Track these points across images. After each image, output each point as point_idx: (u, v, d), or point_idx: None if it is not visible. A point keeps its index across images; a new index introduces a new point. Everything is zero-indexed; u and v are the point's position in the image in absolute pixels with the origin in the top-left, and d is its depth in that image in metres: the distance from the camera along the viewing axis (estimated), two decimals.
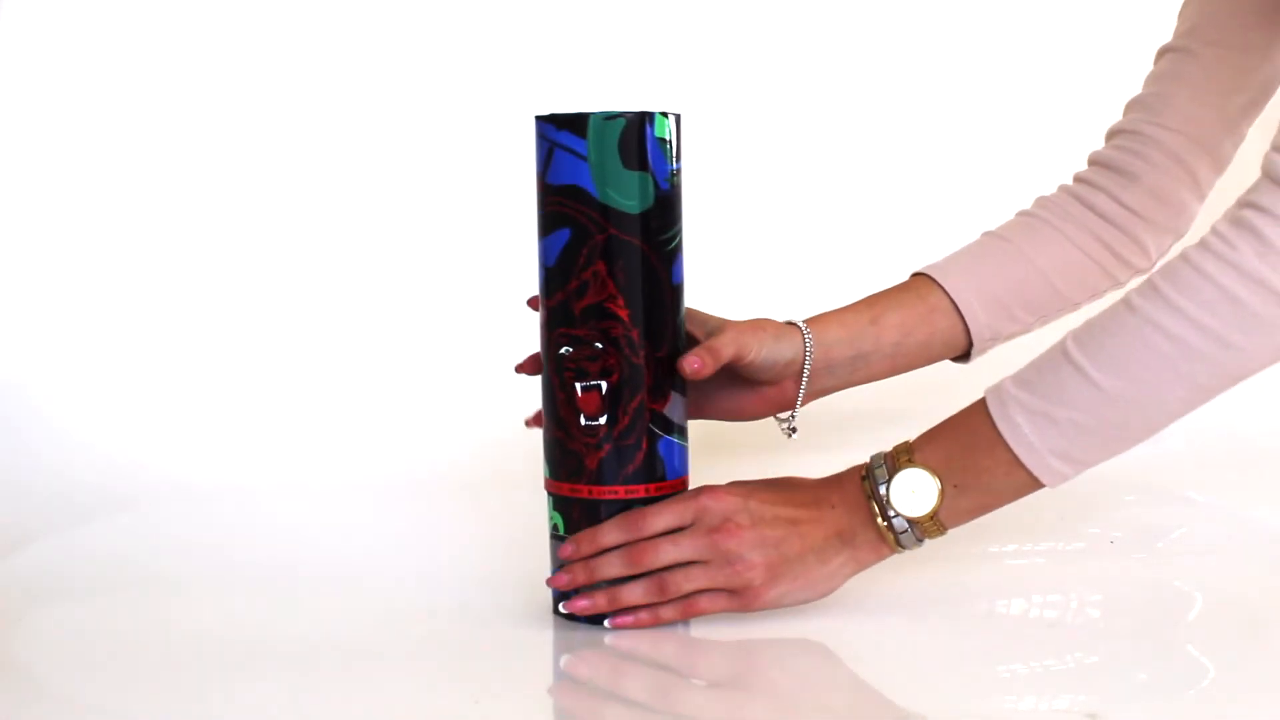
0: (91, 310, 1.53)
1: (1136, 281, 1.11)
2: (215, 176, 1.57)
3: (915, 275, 1.17)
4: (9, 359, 1.47)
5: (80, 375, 1.48)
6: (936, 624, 1.03)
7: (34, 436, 1.42)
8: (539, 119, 1.01)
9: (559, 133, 0.99)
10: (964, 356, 1.18)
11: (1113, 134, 1.21)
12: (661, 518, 0.99)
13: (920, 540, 0.99)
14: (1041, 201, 1.21)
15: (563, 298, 1.00)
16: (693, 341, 1.05)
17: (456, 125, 1.60)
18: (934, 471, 0.98)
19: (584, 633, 1.00)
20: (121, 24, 1.54)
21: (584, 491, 1.00)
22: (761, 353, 1.05)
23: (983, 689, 0.92)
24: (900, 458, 0.99)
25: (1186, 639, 1.02)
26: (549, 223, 1.00)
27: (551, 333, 1.01)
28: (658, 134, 1.00)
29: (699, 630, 1.01)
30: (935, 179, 1.69)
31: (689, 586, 0.99)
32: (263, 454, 1.15)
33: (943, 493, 0.97)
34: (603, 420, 0.99)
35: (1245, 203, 0.93)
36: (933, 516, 0.98)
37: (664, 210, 1.01)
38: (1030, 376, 0.97)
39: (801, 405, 1.10)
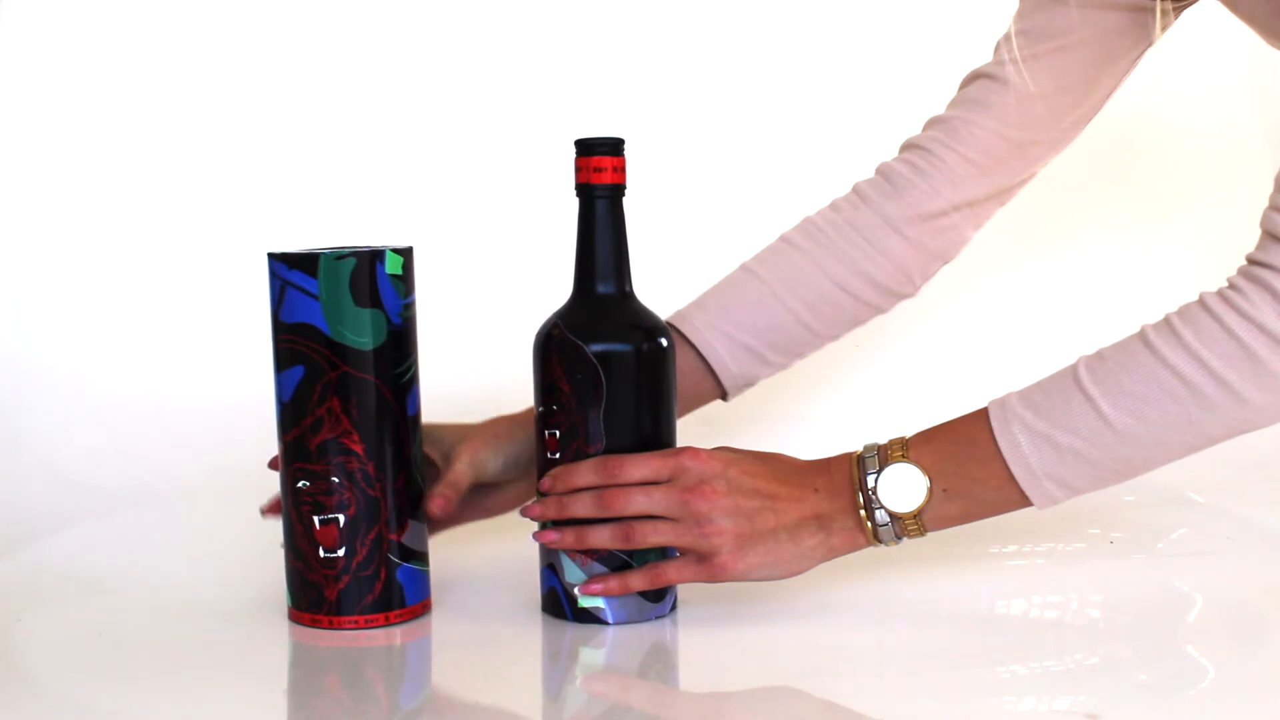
0: (90, 311, 1.53)
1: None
2: (209, 178, 1.57)
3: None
4: (8, 359, 1.47)
5: (80, 375, 1.49)
6: (937, 624, 1.04)
7: (34, 436, 1.42)
8: (271, 256, 1.02)
9: (290, 271, 1.01)
10: (722, 397, 1.18)
11: (906, 147, 1.18)
12: (639, 468, 0.99)
13: (898, 538, 0.99)
14: (804, 226, 1.18)
15: (298, 433, 1.02)
16: (431, 467, 1.08)
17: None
18: (925, 470, 0.97)
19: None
20: (112, 30, 1.54)
21: (325, 622, 1.03)
22: (498, 462, 1.09)
23: (983, 689, 0.93)
24: (893, 451, 0.99)
25: (1186, 639, 1.02)
26: (283, 359, 1.02)
27: (289, 467, 1.03)
28: (389, 270, 1.01)
29: (684, 637, 1.02)
30: None
31: (655, 539, 0.99)
32: (263, 454, 1.15)
33: (931, 493, 0.97)
34: (341, 552, 1.02)
35: (1258, 262, 0.92)
36: (916, 516, 0.98)
37: (397, 345, 1.02)
38: (1037, 398, 0.96)
39: None
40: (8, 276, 1.52)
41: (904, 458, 0.98)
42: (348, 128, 1.61)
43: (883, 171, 1.18)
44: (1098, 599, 1.10)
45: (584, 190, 1.02)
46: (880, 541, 0.99)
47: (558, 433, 1.01)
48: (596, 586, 1.01)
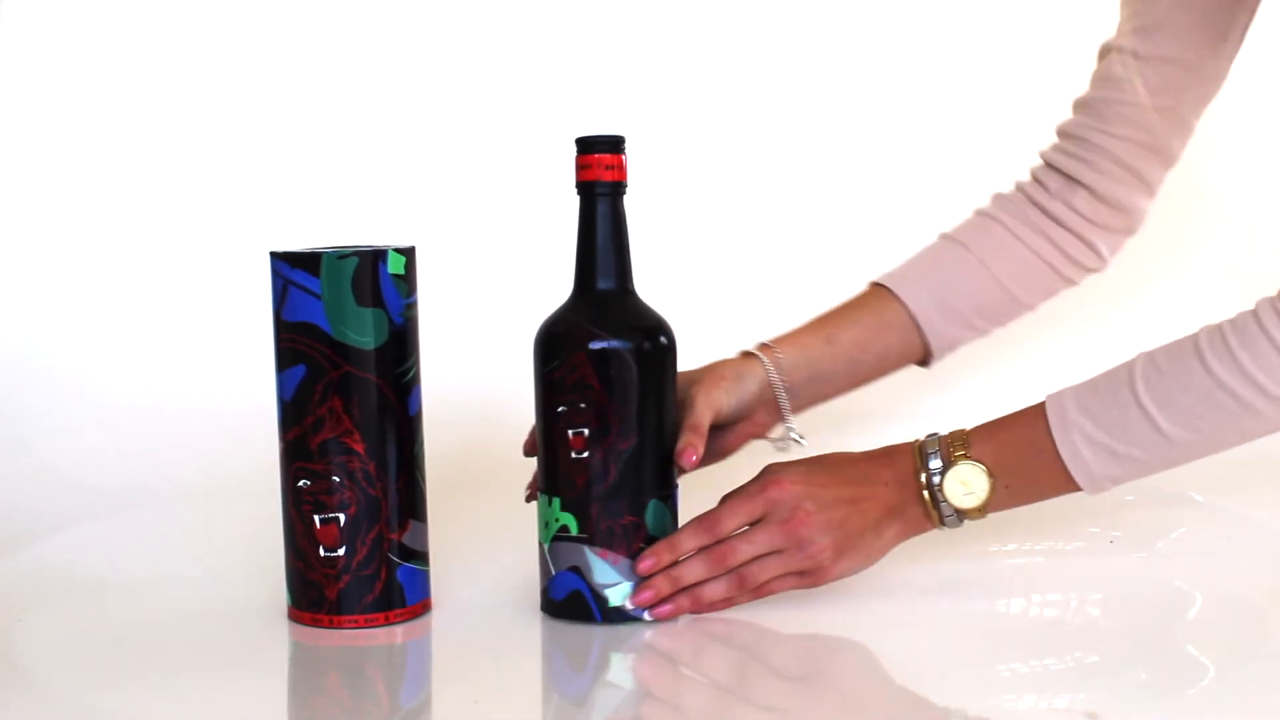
0: (91, 311, 1.53)
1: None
2: (211, 177, 1.57)
3: (872, 285, 1.19)
4: (8, 359, 1.47)
5: (80, 375, 1.49)
6: (936, 623, 1.04)
7: (34, 436, 1.42)
8: (273, 255, 1.02)
9: (293, 271, 1.01)
10: (923, 362, 1.20)
11: (1062, 134, 1.19)
12: (734, 517, 1.02)
13: (961, 522, 1.03)
14: (998, 201, 1.21)
15: (299, 432, 1.02)
16: None
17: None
18: (988, 470, 1.01)
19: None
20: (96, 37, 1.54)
21: (325, 622, 1.03)
22: (730, 402, 1.10)
23: (983, 689, 0.93)
24: (955, 449, 1.02)
25: (1186, 639, 1.02)
26: (284, 358, 1.02)
27: (290, 466, 1.03)
28: (391, 270, 1.01)
29: (685, 636, 1.02)
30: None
31: (765, 576, 1.02)
32: (263, 454, 1.15)
33: (993, 489, 1.01)
34: (341, 551, 1.01)
35: None
36: (980, 508, 1.02)
37: (399, 344, 1.02)
38: (1095, 409, 1.00)
39: (777, 428, 1.15)
40: (8, 276, 1.52)
41: (966, 456, 1.01)
42: (350, 127, 1.61)
43: (1049, 161, 1.21)
44: (1098, 598, 1.10)
45: (585, 188, 1.02)
46: (946, 526, 1.03)
47: (585, 431, 1.01)
48: (682, 603, 1.02)
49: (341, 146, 1.61)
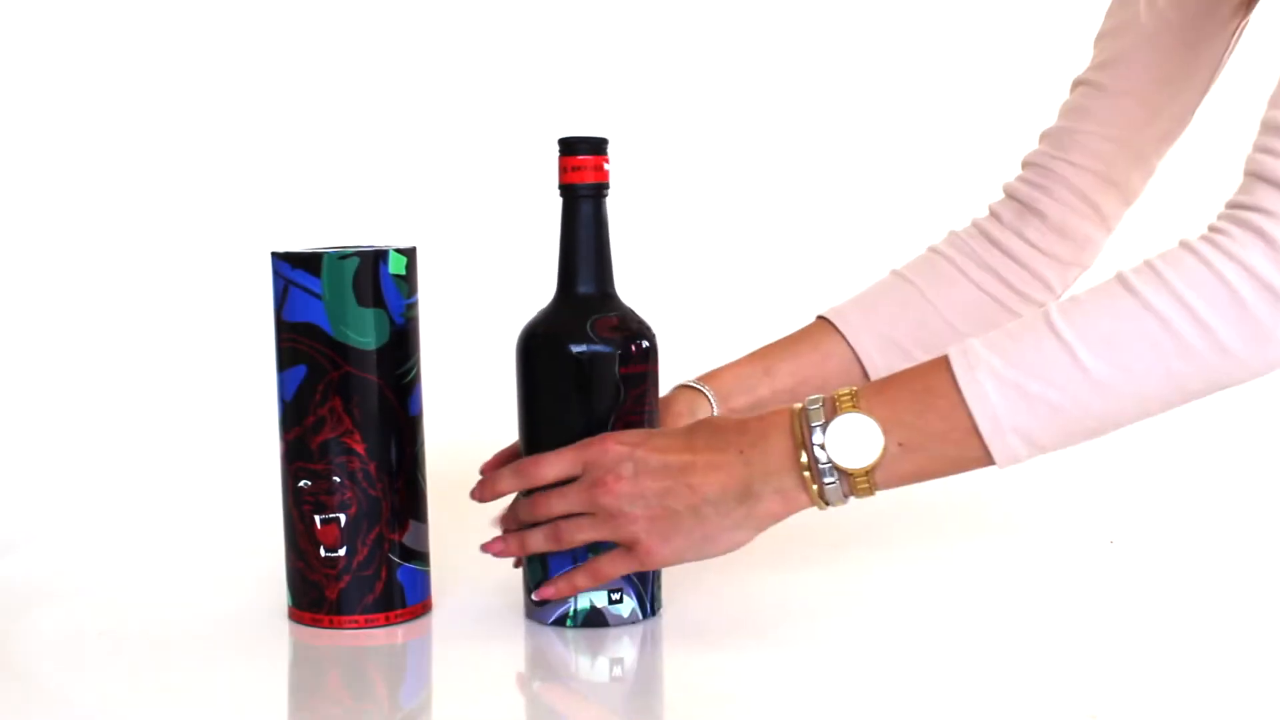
0: (91, 310, 1.53)
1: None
2: (212, 177, 1.57)
3: (817, 318, 1.19)
4: (8, 359, 1.47)
5: (79, 374, 1.49)
6: (934, 623, 1.04)
7: (33, 435, 1.42)
8: (274, 255, 1.02)
9: (294, 271, 1.01)
10: None
11: (1025, 164, 1.20)
12: (551, 467, 0.98)
13: (845, 497, 0.92)
14: (950, 238, 1.21)
15: (300, 432, 1.02)
16: None
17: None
18: (879, 422, 0.90)
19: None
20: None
21: (325, 622, 1.03)
22: None
23: (983, 689, 0.92)
24: (842, 401, 0.91)
25: (1186, 639, 1.02)
26: (285, 358, 1.02)
27: (290, 466, 1.03)
28: (392, 270, 1.01)
29: (683, 636, 1.01)
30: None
31: (580, 537, 0.97)
32: (263, 454, 1.15)
33: (885, 448, 0.90)
34: (342, 552, 1.02)
35: (1242, 205, 0.88)
36: (868, 473, 0.90)
37: (400, 345, 1.02)
38: (1004, 344, 0.89)
39: None
40: (8, 276, 1.52)
41: (854, 408, 0.90)
42: (351, 128, 1.61)
43: (1008, 191, 1.21)
44: (1096, 598, 1.10)
45: (567, 190, 1.01)
46: (827, 502, 0.92)
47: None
48: (549, 590, 1.01)
49: (341, 146, 1.61)
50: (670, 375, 1.10)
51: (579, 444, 0.98)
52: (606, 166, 1.01)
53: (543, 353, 1.01)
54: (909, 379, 0.92)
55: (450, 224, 1.61)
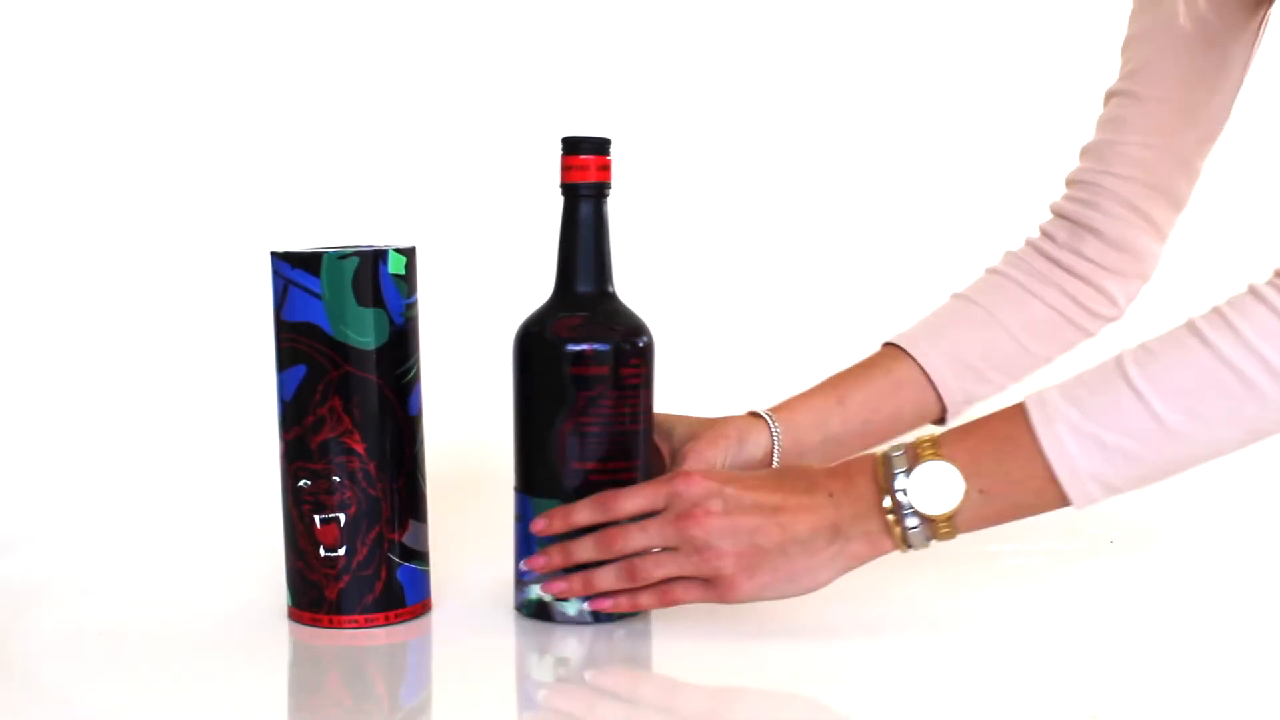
0: (91, 309, 1.53)
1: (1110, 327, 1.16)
2: (212, 177, 1.57)
3: (885, 345, 1.18)
4: (8, 359, 1.47)
5: (79, 374, 1.49)
6: (935, 623, 1.03)
7: (33, 435, 1.42)
8: (274, 255, 1.02)
9: (293, 270, 1.01)
10: (940, 420, 1.18)
11: (1070, 183, 1.19)
12: (634, 500, 0.97)
13: (928, 541, 0.94)
14: (1009, 258, 1.20)
15: (299, 432, 1.02)
16: (658, 457, 1.07)
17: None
18: (960, 469, 0.92)
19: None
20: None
21: (325, 622, 1.03)
22: (726, 462, 1.07)
23: (983, 689, 0.92)
24: (924, 449, 0.93)
25: (1186, 639, 1.02)
26: (285, 358, 1.02)
27: (290, 465, 1.03)
28: (392, 270, 1.01)
29: (680, 636, 1.01)
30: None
31: (659, 573, 0.97)
32: (263, 454, 1.15)
33: (967, 493, 0.92)
34: (341, 551, 1.02)
35: None
36: (950, 518, 0.93)
37: (399, 344, 1.02)
38: (1080, 394, 0.91)
39: None
40: (8, 275, 1.52)
41: (937, 455, 0.93)
42: (350, 127, 1.61)
43: (1057, 211, 1.20)
44: (1097, 599, 1.10)
45: (568, 189, 1.02)
46: (909, 546, 0.94)
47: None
48: (606, 604, 1.00)
49: (341, 146, 1.61)
50: (668, 375, 1.10)
51: (661, 478, 0.98)
52: (608, 166, 1.01)
53: (537, 350, 1.01)
54: (988, 427, 0.94)
55: (450, 224, 1.60)
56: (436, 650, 1.02)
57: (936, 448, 0.93)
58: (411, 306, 1.03)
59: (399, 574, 1.03)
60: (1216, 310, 0.90)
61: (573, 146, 1.01)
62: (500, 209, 1.64)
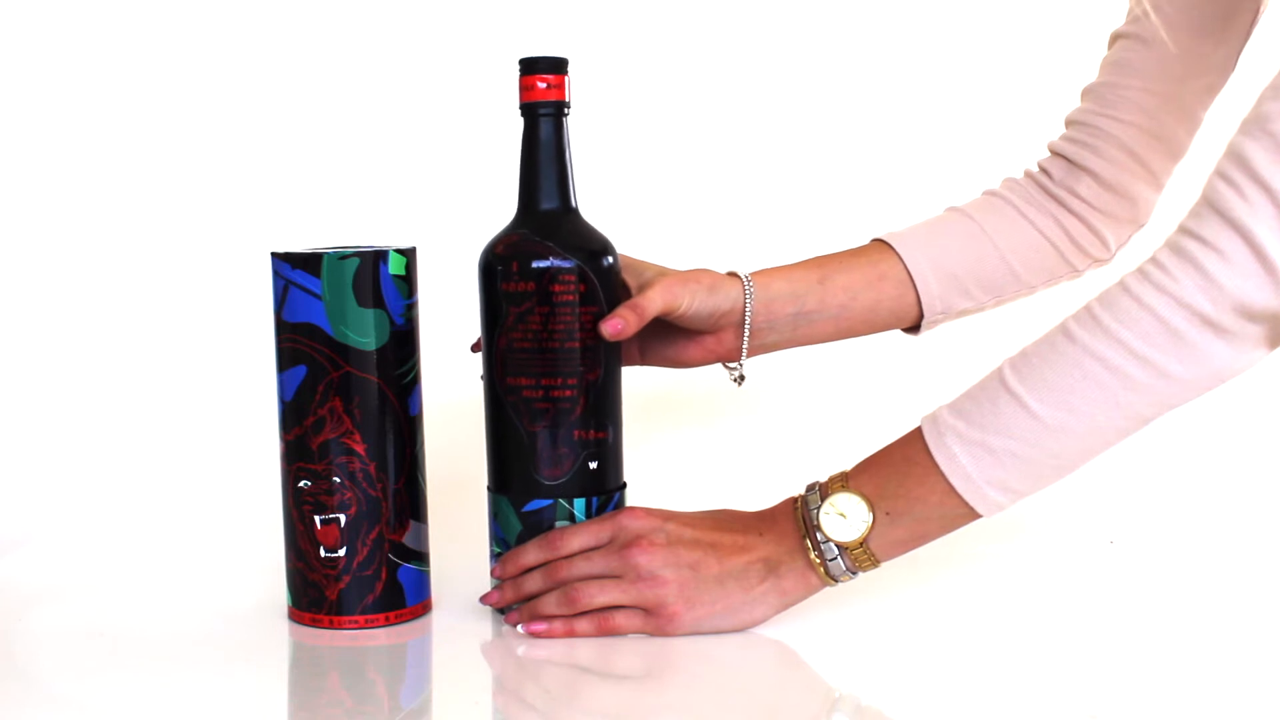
0: (91, 309, 1.53)
1: (1094, 272, 1.17)
2: (212, 177, 1.57)
3: (873, 240, 1.17)
4: (8, 359, 1.47)
5: (79, 374, 1.49)
6: (935, 624, 1.04)
7: (33, 435, 1.42)
8: (274, 256, 1.02)
9: (294, 271, 1.01)
10: (914, 329, 1.18)
11: (1069, 123, 1.19)
12: (579, 537, 1.01)
13: (852, 572, 0.99)
14: (1008, 183, 1.20)
15: (300, 433, 1.02)
16: (625, 292, 1.06)
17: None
18: (866, 498, 0.97)
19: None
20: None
21: (325, 622, 1.03)
22: (694, 304, 1.06)
23: (983, 689, 0.92)
24: (833, 484, 0.99)
25: (1186, 639, 1.02)
26: (285, 359, 1.03)
27: (290, 466, 1.03)
28: (392, 271, 1.02)
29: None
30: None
31: (601, 599, 1.00)
32: (263, 454, 1.15)
33: (874, 519, 0.97)
34: (342, 552, 1.02)
35: (1187, 231, 0.89)
36: (863, 544, 0.97)
37: (400, 345, 1.02)
38: (966, 406, 0.95)
39: (746, 358, 1.11)
40: (7, 275, 1.52)
41: (845, 488, 0.98)
42: (350, 127, 1.61)
43: (1054, 149, 1.20)
44: (1096, 598, 1.10)
45: (527, 109, 1.02)
46: (833, 579, 0.99)
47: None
48: (539, 627, 1.01)
49: (341, 146, 1.61)
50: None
51: (605, 515, 1.02)
52: (565, 84, 1.02)
53: (482, 268, 1.02)
54: (889, 454, 0.98)
55: (450, 224, 1.60)
56: (436, 651, 1.03)
57: (845, 481, 0.98)
58: (412, 307, 1.03)
59: (399, 574, 1.03)
60: (1086, 306, 0.93)
61: (530, 66, 1.02)
62: (500, 209, 1.63)
